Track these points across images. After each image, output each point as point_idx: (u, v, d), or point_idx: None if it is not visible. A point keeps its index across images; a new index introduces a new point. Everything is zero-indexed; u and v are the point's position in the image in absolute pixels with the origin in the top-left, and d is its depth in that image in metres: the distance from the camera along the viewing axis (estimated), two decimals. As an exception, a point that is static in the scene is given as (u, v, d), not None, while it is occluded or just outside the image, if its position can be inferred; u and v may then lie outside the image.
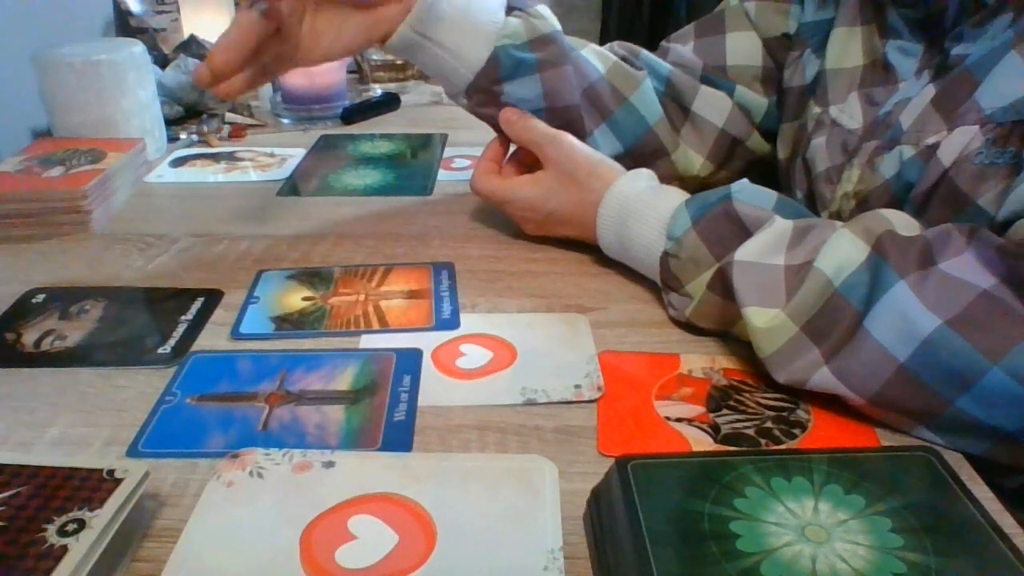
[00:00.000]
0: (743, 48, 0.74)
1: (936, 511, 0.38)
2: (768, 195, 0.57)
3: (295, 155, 0.94)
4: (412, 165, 0.92)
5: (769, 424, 0.48)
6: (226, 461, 0.44)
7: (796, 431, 0.48)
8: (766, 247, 0.52)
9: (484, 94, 0.67)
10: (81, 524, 0.37)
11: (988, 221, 0.50)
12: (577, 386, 0.51)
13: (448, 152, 0.95)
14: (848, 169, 0.61)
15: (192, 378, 0.53)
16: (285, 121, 1.06)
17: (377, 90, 1.18)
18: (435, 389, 0.51)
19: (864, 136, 0.61)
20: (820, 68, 0.67)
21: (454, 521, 0.40)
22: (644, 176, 0.63)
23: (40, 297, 0.62)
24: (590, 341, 0.56)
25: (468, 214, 0.77)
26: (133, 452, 0.46)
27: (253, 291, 0.63)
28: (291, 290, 0.63)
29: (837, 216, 0.62)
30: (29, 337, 0.57)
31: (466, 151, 0.94)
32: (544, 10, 0.69)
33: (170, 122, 0.99)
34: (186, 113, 1.04)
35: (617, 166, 0.66)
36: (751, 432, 0.47)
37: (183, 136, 1.00)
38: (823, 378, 0.47)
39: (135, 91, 0.88)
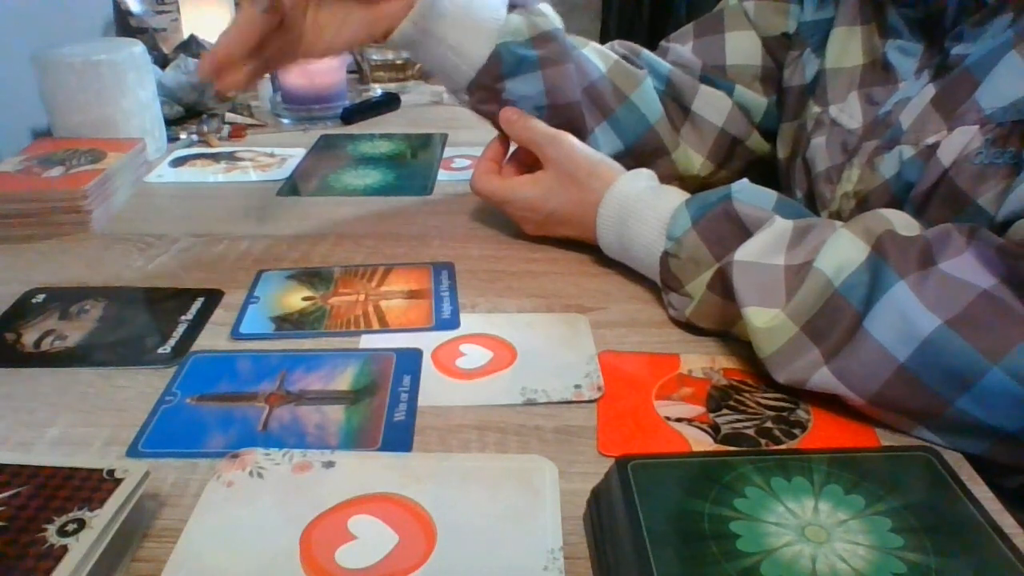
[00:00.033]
0: (742, 48, 0.74)
1: (936, 511, 0.38)
2: (768, 195, 0.57)
3: (295, 155, 0.94)
4: (412, 165, 0.92)
5: (769, 424, 0.48)
6: (226, 461, 0.44)
7: (796, 431, 0.48)
8: (766, 247, 0.52)
9: (485, 91, 0.67)
10: (81, 524, 0.37)
11: (988, 221, 0.50)
12: (577, 386, 0.51)
13: (448, 152, 0.95)
14: (848, 169, 0.61)
15: (192, 378, 0.53)
16: (285, 121, 1.06)
17: (377, 90, 1.18)
18: (435, 389, 0.51)
19: (864, 136, 0.61)
20: (820, 68, 0.67)
21: (454, 521, 0.40)
22: (644, 176, 0.63)
23: (40, 297, 0.62)
24: (590, 341, 0.56)
25: (468, 214, 0.77)
26: (133, 452, 0.46)
27: (253, 291, 0.63)
28: (291, 290, 0.63)
29: (837, 216, 0.62)
30: (29, 337, 0.57)
31: (466, 151, 0.94)
32: (546, 8, 0.69)
33: (170, 122, 0.99)
34: (186, 113, 1.04)
35: (617, 166, 0.66)
36: (751, 432, 0.47)
37: (183, 136, 1.00)
38: (823, 378, 0.47)
39: (135, 91, 0.88)
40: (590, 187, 0.64)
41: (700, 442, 0.47)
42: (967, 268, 0.45)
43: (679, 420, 0.49)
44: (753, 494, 0.38)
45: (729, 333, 0.56)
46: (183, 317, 0.59)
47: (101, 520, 0.37)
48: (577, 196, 0.65)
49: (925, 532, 0.36)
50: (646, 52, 0.76)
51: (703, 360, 0.54)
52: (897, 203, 0.56)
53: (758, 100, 0.74)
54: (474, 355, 0.55)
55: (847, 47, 0.64)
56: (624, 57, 0.74)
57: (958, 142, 0.53)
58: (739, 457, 0.41)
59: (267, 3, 0.59)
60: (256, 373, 0.53)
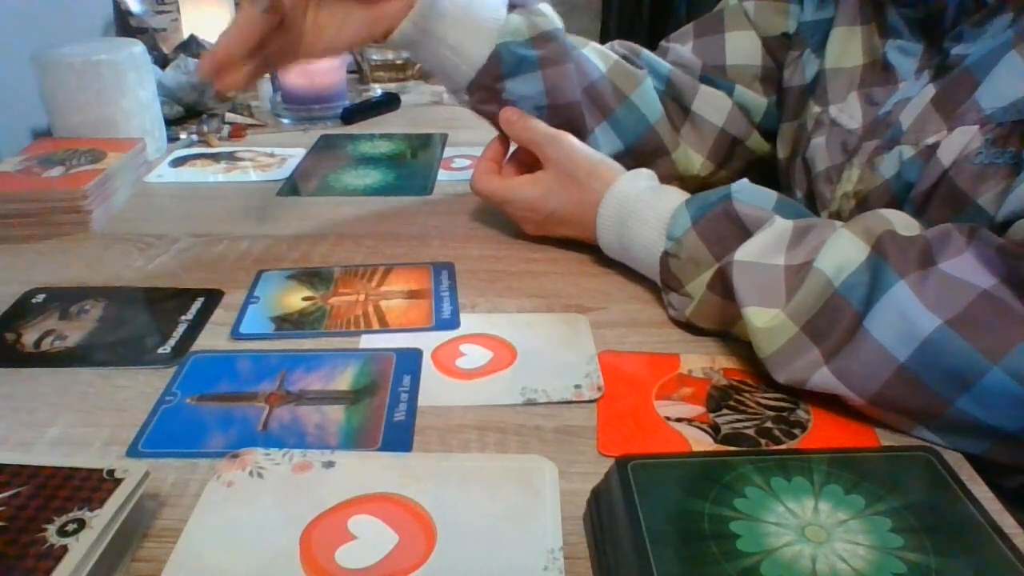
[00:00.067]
0: (742, 48, 0.74)
1: (936, 511, 0.38)
2: (768, 195, 0.57)
3: (295, 155, 0.94)
4: (412, 165, 0.92)
5: (769, 424, 0.48)
6: (226, 461, 0.44)
7: (796, 431, 0.48)
8: (766, 247, 0.52)
9: (485, 91, 0.67)
10: (81, 524, 0.37)
11: (988, 221, 0.50)
12: (577, 386, 0.51)
13: (448, 152, 0.95)
14: (848, 169, 0.61)
15: (192, 378, 0.53)
16: (285, 121, 1.06)
17: (377, 90, 1.18)
18: (435, 389, 0.51)
19: (864, 136, 0.61)
20: (820, 68, 0.67)
21: (454, 521, 0.40)
22: (644, 176, 0.63)
23: (40, 297, 0.62)
24: (590, 341, 0.56)
25: (468, 214, 0.77)
26: (133, 452, 0.46)
27: (253, 291, 0.63)
28: (291, 290, 0.63)
29: (837, 216, 0.62)
30: (29, 337, 0.57)
31: (466, 151, 0.94)
32: (546, 8, 0.69)
33: (170, 122, 0.99)
34: (186, 113, 1.04)
35: (617, 166, 0.66)
36: (751, 432, 0.47)
37: (183, 136, 1.00)
38: (823, 378, 0.47)
39: (135, 91, 0.88)
40: (590, 187, 0.64)
41: (700, 442, 0.47)
42: (967, 268, 0.45)
43: (679, 420, 0.49)
44: (753, 494, 0.38)
45: (729, 333, 0.56)
46: (183, 317, 0.59)
47: (101, 520, 0.37)
48: (577, 196, 0.65)
49: (925, 532, 0.36)
50: (646, 52, 0.76)
51: (703, 360, 0.54)
52: (897, 203, 0.56)
53: (758, 100, 0.74)
54: (474, 355, 0.55)
55: (847, 47, 0.64)
56: (624, 57, 0.74)
57: (958, 142, 0.53)
58: (739, 457, 0.41)
59: (267, 3, 0.59)
60: (256, 373, 0.53)
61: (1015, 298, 0.43)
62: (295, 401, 0.50)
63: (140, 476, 0.39)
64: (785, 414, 0.49)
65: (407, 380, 0.52)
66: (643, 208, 0.60)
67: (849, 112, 0.63)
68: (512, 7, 0.67)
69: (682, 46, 0.75)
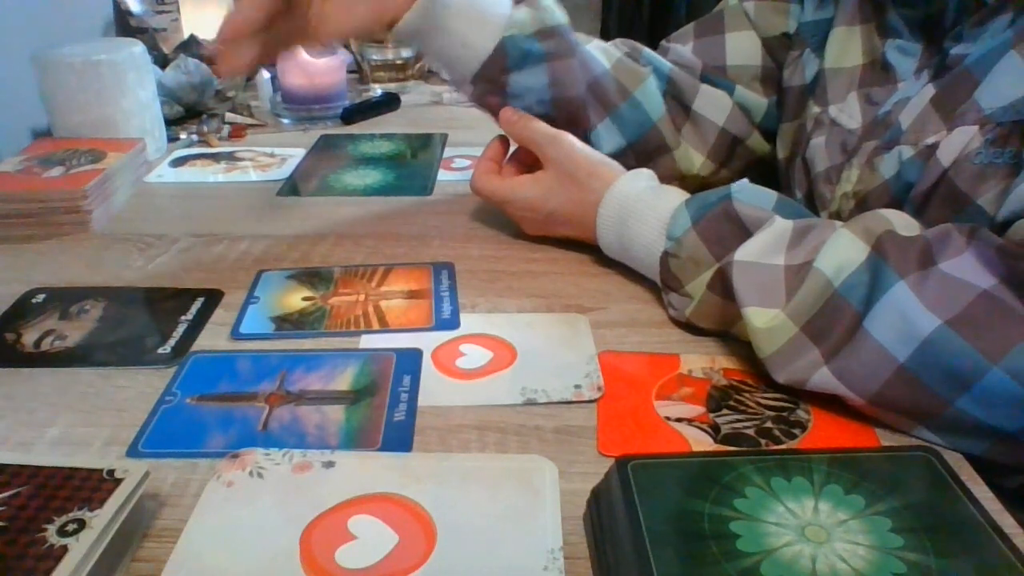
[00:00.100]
0: (743, 48, 0.74)
1: (936, 511, 0.38)
2: (768, 195, 0.57)
3: (295, 155, 0.94)
4: (412, 165, 0.92)
5: (769, 424, 0.48)
6: (226, 461, 0.44)
7: (796, 431, 0.48)
8: (766, 247, 0.52)
9: (490, 83, 0.67)
10: (81, 524, 0.37)
11: (988, 221, 0.50)
12: (577, 386, 0.51)
13: (448, 152, 0.95)
14: (847, 169, 0.61)
15: (192, 378, 0.53)
16: (285, 121, 1.06)
17: (377, 90, 1.18)
18: (435, 389, 0.51)
19: (863, 136, 0.61)
20: (819, 68, 0.67)
21: (454, 521, 0.40)
22: (644, 176, 0.63)
23: (40, 297, 0.62)
24: (590, 341, 0.56)
25: (468, 214, 0.77)
26: (133, 452, 0.46)
27: (253, 291, 0.63)
28: (291, 290, 0.63)
29: (837, 216, 0.62)
30: (29, 337, 0.57)
31: (466, 151, 0.94)
32: (551, 2, 0.69)
33: (170, 122, 0.99)
34: (186, 113, 1.04)
35: (617, 166, 0.66)
36: (751, 432, 0.47)
37: (183, 136, 1.00)
38: (823, 378, 0.47)
39: (135, 91, 0.88)
40: (590, 187, 0.64)
41: (700, 442, 0.47)
42: (967, 268, 0.45)
43: (679, 420, 0.49)
44: (753, 494, 0.38)
45: (729, 333, 0.56)
46: (183, 317, 0.59)
47: (101, 520, 0.37)
48: (577, 196, 0.65)
49: (925, 532, 0.36)
50: (647, 50, 0.76)
51: (703, 360, 0.54)
52: (897, 203, 0.56)
53: (758, 100, 0.74)
54: (474, 355, 0.55)
55: (846, 47, 0.64)
56: (626, 55, 0.74)
57: (957, 142, 0.53)
58: (739, 457, 0.41)
59: None
60: (256, 373, 0.53)
61: (1015, 298, 0.43)
62: (295, 401, 0.50)
63: (140, 476, 0.39)
64: (785, 414, 0.49)
65: (407, 380, 0.52)
66: (643, 208, 0.60)
67: (849, 112, 0.63)
68: (518, 1, 0.68)
69: (682, 46, 0.75)
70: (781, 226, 0.53)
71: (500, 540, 0.39)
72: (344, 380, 0.52)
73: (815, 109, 0.66)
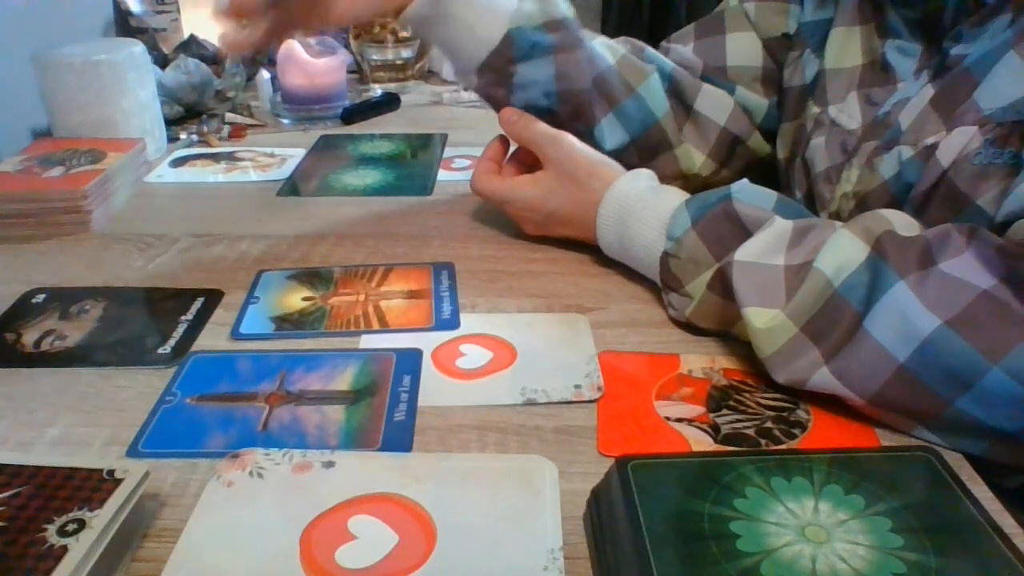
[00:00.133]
0: (743, 49, 0.74)
1: (936, 511, 0.38)
2: (768, 195, 0.57)
3: (295, 155, 0.94)
4: (412, 165, 0.92)
5: (769, 424, 0.48)
6: (226, 461, 0.44)
7: (796, 431, 0.48)
8: (766, 247, 0.52)
9: (496, 73, 0.67)
10: (81, 524, 0.37)
11: (987, 221, 0.50)
12: (577, 386, 0.51)
13: (448, 152, 0.95)
14: (847, 169, 0.61)
15: (192, 378, 0.53)
16: (285, 121, 1.06)
17: (377, 90, 1.18)
18: (435, 389, 0.51)
19: (863, 136, 0.61)
20: (819, 68, 0.67)
21: (454, 521, 0.40)
22: (644, 176, 0.63)
23: (40, 297, 0.62)
24: (590, 341, 0.56)
25: (468, 214, 0.77)
26: (133, 452, 0.46)
27: (253, 291, 0.63)
28: (291, 290, 0.63)
29: (837, 216, 0.62)
30: (29, 337, 0.57)
31: (466, 151, 0.94)
32: None
33: (170, 122, 0.99)
34: (186, 113, 1.04)
35: (617, 166, 0.66)
36: (751, 432, 0.47)
37: (183, 136, 1.00)
38: (823, 378, 0.47)
39: (135, 91, 0.88)
40: (590, 187, 0.64)
41: (700, 442, 0.47)
42: (967, 268, 0.45)
43: (679, 420, 0.49)
44: (753, 494, 0.38)
45: (729, 333, 0.56)
46: (183, 317, 0.59)
47: (101, 520, 0.37)
48: (577, 196, 0.65)
49: (925, 532, 0.36)
50: (650, 49, 0.76)
51: (703, 360, 0.54)
52: (896, 203, 0.56)
53: (759, 101, 0.74)
54: (474, 355, 0.55)
55: (846, 47, 0.64)
56: (630, 52, 0.74)
57: (957, 142, 0.53)
58: (739, 457, 0.41)
59: None
60: (256, 373, 0.53)
61: (1015, 298, 0.43)
62: (295, 401, 0.50)
63: (140, 476, 0.39)
64: (785, 414, 0.49)
65: (407, 380, 0.52)
66: (643, 208, 0.60)
67: (848, 112, 0.63)
68: None
69: (683, 47, 0.76)
70: (781, 226, 0.53)
71: (500, 540, 0.39)
72: (344, 380, 0.52)
73: (815, 109, 0.66)
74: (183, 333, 0.57)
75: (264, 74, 1.11)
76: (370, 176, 0.88)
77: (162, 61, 1.09)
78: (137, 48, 0.88)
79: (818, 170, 0.64)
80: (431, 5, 0.64)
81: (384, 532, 0.40)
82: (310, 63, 1.05)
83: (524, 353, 0.55)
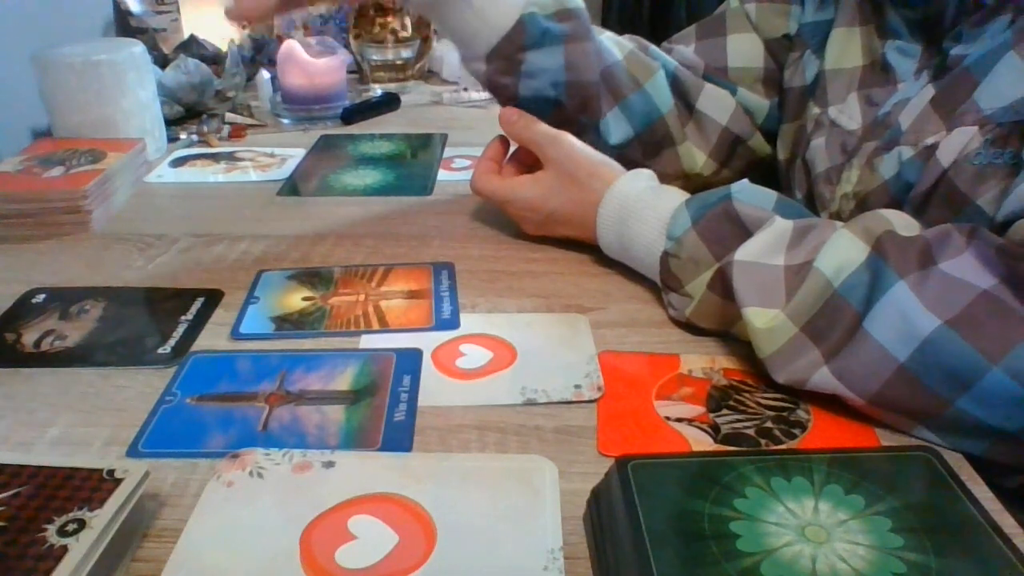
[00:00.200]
0: (744, 50, 0.74)
1: (936, 511, 0.38)
2: (768, 195, 0.57)
3: (295, 155, 0.94)
4: (412, 165, 0.92)
5: (769, 424, 0.48)
6: (226, 461, 0.44)
7: (796, 431, 0.48)
8: (766, 247, 0.52)
9: (505, 61, 0.67)
10: (81, 524, 0.37)
11: (987, 221, 0.50)
12: (577, 386, 0.51)
13: (448, 152, 0.95)
14: (847, 170, 0.61)
15: (192, 378, 0.53)
16: (285, 121, 1.06)
17: (377, 90, 1.18)
18: (435, 389, 0.51)
19: (863, 137, 0.61)
20: (820, 69, 0.67)
21: (454, 521, 0.40)
22: (644, 176, 0.63)
23: (40, 297, 0.62)
24: (590, 341, 0.56)
25: (468, 214, 0.77)
26: (133, 452, 0.46)
27: (253, 291, 0.63)
28: (291, 290, 0.63)
29: (837, 216, 0.62)
30: (29, 337, 0.57)
31: (466, 151, 0.94)
32: None
33: (170, 122, 0.99)
34: (186, 113, 1.04)
35: (617, 166, 0.66)
36: (751, 432, 0.47)
37: (183, 136, 1.00)
38: (823, 378, 0.47)
39: (135, 91, 0.88)
40: (590, 187, 0.64)
41: (700, 442, 0.47)
42: (967, 268, 0.45)
43: (679, 420, 0.49)
44: (753, 494, 0.38)
45: (729, 333, 0.56)
46: (183, 317, 0.59)
47: (101, 520, 0.37)
48: (577, 196, 0.65)
49: (925, 532, 0.36)
50: (654, 47, 0.76)
51: (703, 360, 0.54)
52: (896, 204, 0.56)
53: (760, 102, 0.74)
54: (474, 355, 0.55)
55: (846, 48, 0.65)
56: (637, 48, 0.74)
57: (957, 143, 0.53)
58: (739, 457, 0.41)
59: None
60: (256, 373, 0.53)
61: (1015, 298, 0.43)
62: (295, 401, 0.50)
63: (140, 476, 0.39)
64: (785, 414, 0.49)
65: (407, 380, 0.52)
66: (643, 208, 0.60)
67: (849, 113, 0.63)
68: None
69: (684, 48, 0.76)
70: (781, 226, 0.53)
71: (500, 540, 0.39)
72: (344, 380, 0.52)
73: (815, 110, 0.66)
74: (183, 333, 0.57)
75: (264, 74, 1.11)
76: (370, 176, 0.88)
77: (162, 61, 1.09)
78: (137, 48, 0.88)
79: (818, 171, 0.64)
80: None
81: (384, 532, 0.40)
82: (310, 63, 1.05)
83: (524, 353, 0.55)
